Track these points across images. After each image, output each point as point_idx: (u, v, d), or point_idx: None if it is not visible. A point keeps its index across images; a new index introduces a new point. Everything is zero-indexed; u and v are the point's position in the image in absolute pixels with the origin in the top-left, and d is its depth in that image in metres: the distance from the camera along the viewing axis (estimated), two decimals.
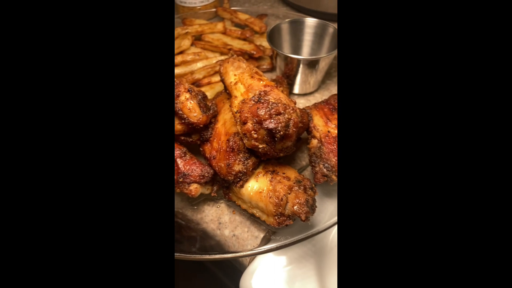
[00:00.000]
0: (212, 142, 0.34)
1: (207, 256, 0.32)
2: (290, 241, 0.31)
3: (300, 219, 0.29)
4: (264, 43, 0.52)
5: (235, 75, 0.34)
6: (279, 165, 0.33)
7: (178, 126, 0.33)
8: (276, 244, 0.31)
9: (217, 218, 0.37)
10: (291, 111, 0.28)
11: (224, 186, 0.35)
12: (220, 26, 0.50)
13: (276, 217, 0.30)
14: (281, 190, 0.30)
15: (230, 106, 0.32)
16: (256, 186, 0.31)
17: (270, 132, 0.28)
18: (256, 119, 0.28)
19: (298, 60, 0.43)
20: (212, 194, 0.35)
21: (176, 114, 0.32)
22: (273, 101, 0.28)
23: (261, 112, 0.27)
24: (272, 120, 0.27)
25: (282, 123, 0.27)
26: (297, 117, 0.28)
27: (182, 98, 0.32)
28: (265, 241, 0.34)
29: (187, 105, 0.32)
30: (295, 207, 0.29)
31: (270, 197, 0.30)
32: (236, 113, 0.30)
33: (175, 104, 0.32)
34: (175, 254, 0.31)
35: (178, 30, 0.49)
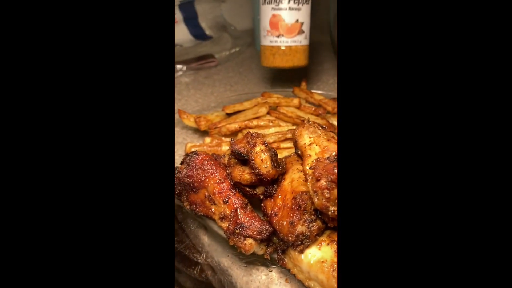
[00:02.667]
0: (276, 198, 0.33)
1: None
2: None
3: None
4: (335, 122, 0.53)
5: (310, 137, 0.35)
6: None
7: (246, 176, 0.33)
8: None
9: (265, 286, 0.33)
10: None
11: (280, 250, 0.32)
12: (296, 101, 0.54)
13: None
14: None
15: (302, 164, 0.32)
16: (319, 255, 0.28)
17: None
18: (332, 177, 0.27)
19: None
20: (265, 256, 0.32)
21: (248, 163, 0.33)
22: None
23: (337, 171, 0.26)
24: None
25: None
26: None
27: (257, 149, 0.33)
28: None
29: (261, 155, 0.32)
30: None
31: (333, 270, 0.26)
32: (309, 169, 0.29)
33: (249, 154, 0.33)
34: None
35: (258, 100, 0.54)
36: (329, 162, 0.28)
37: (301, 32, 0.58)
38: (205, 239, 0.40)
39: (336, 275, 0.26)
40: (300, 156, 0.37)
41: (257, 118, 0.51)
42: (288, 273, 0.32)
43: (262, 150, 0.32)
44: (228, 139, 0.52)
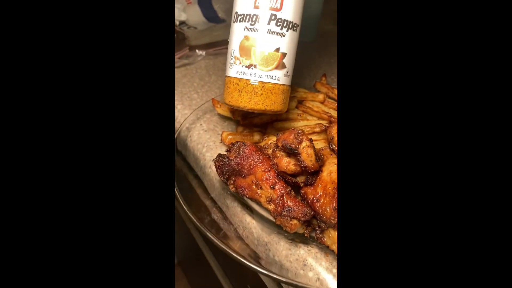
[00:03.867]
0: (316, 187, 0.39)
1: (286, 279, 0.34)
2: None
3: None
4: None
5: None
6: None
7: (292, 167, 0.39)
8: None
9: (303, 259, 0.39)
10: None
11: (318, 230, 0.38)
12: (321, 96, 0.59)
13: None
14: None
15: None
16: None
17: None
18: None
19: None
20: (306, 235, 0.39)
21: (295, 156, 0.38)
22: None
23: None
24: None
25: None
26: None
27: (304, 144, 0.38)
28: None
29: (307, 150, 0.38)
30: None
31: None
32: None
33: (297, 149, 0.38)
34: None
35: None
36: None
37: (281, 66, 0.41)
38: (246, 217, 0.46)
39: None
40: (334, 151, 0.43)
41: (287, 111, 0.56)
42: (325, 250, 0.38)
43: (308, 145, 0.38)
44: (258, 129, 0.57)
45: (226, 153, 0.44)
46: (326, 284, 0.36)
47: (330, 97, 0.65)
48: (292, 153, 0.38)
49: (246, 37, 0.40)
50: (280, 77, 0.42)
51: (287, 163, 0.39)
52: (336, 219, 0.35)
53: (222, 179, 0.43)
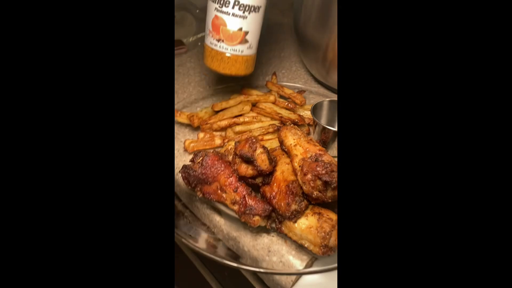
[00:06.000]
0: (272, 185, 0.46)
1: (257, 269, 0.41)
2: (330, 268, 0.40)
3: None
4: (303, 113, 0.66)
5: (294, 139, 0.47)
6: (323, 209, 0.44)
7: (250, 171, 0.45)
8: (318, 268, 0.41)
9: (267, 247, 0.46)
10: None
11: (277, 221, 0.45)
12: (272, 97, 0.65)
13: (321, 248, 0.40)
14: (327, 228, 0.40)
15: (291, 161, 0.44)
16: (307, 223, 0.42)
17: (325, 183, 0.39)
18: (315, 173, 0.40)
19: (334, 132, 0.57)
20: (267, 227, 0.45)
21: (251, 163, 0.44)
22: (327, 161, 0.40)
23: (319, 168, 0.39)
24: (327, 175, 0.39)
25: (335, 178, 0.39)
26: None
27: (258, 151, 0.44)
28: (308, 266, 0.43)
29: (261, 157, 0.44)
30: (336, 241, 0.39)
31: (318, 232, 0.40)
32: (298, 167, 0.42)
33: (253, 156, 0.44)
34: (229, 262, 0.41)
35: (241, 98, 0.64)
36: (311, 161, 0.41)
37: (244, 41, 0.53)
38: (215, 217, 0.52)
39: (319, 235, 0.40)
40: (285, 151, 0.50)
41: (242, 115, 0.62)
42: (284, 237, 0.46)
43: (261, 152, 0.44)
44: (218, 133, 0.62)
45: (190, 163, 0.49)
46: (288, 264, 0.44)
47: (281, 96, 0.71)
48: (249, 160, 0.44)
49: (216, 17, 0.51)
50: (243, 50, 0.54)
51: (245, 169, 0.45)
52: (290, 212, 0.42)
53: (189, 187, 0.48)
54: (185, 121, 0.63)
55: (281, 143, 0.50)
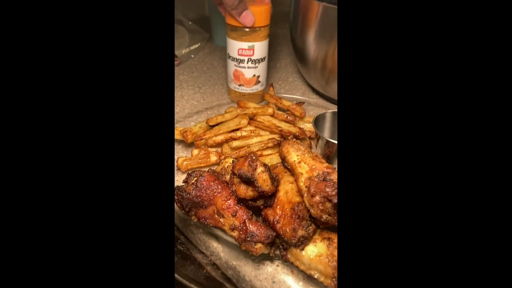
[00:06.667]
0: (275, 208, 0.41)
1: None
2: None
3: None
4: (303, 126, 0.62)
5: (297, 155, 0.43)
6: (333, 233, 0.39)
7: (250, 193, 0.41)
8: None
9: (271, 277, 0.41)
10: None
11: (282, 248, 0.40)
12: (270, 110, 0.61)
13: (334, 279, 0.35)
14: None
15: (296, 180, 0.40)
16: (316, 251, 0.37)
17: (335, 206, 0.35)
18: (324, 194, 0.35)
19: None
20: (271, 254, 0.41)
21: (252, 183, 0.40)
22: (336, 181, 0.36)
23: (328, 189, 0.35)
24: (337, 197, 0.35)
25: None
26: None
27: (259, 170, 0.40)
28: None
29: (262, 176, 0.39)
30: None
31: (329, 261, 0.36)
32: (305, 187, 0.37)
33: (253, 176, 0.39)
34: None
35: (238, 111, 0.60)
36: (318, 180, 0.37)
37: (257, 82, 0.73)
38: (212, 243, 0.47)
39: (331, 264, 0.35)
40: (288, 168, 0.46)
41: (239, 129, 0.57)
42: (290, 266, 0.41)
43: (263, 171, 0.40)
44: (213, 149, 0.57)
45: (183, 184, 0.44)
46: None
47: (279, 108, 0.67)
48: (248, 181, 0.40)
49: (236, 70, 0.71)
50: (258, 88, 0.74)
51: (245, 190, 0.40)
52: (296, 239, 0.37)
53: (183, 212, 0.44)
54: (178, 137, 0.59)
55: (283, 159, 0.45)
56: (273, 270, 0.42)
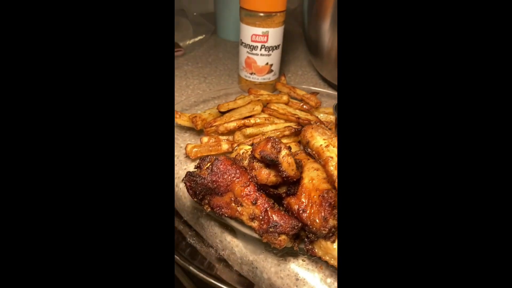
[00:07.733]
0: (299, 196, 0.37)
1: None
2: None
3: None
4: (319, 116, 0.58)
5: (324, 139, 0.39)
6: None
7: (272, 178, 0.36)
8: None
9: (294, 274, 0.37)
10: None
11: (307, 241, 0.36)
12: (285, 98, 0.58)
13: None
14: None
15: (325, 165, 0.36)
16: None
17: None
18: None
19: None
20: (295, 248, 0.36)
21: (274, 166, 0.36)
22: None
23: None
24: None
25: None
26: None
27: (283, 153, 0.35)
28: None
29: (288, 160, 0.35)
30: None
31: None
32: (334, 170, 0.33)
33: (277, 159, 0.35)
34: None
35: (251, 97, 0.56)
36: None
37: (270, 71, 0.68)
38: (225, 237, 0.42)
39: None
40: (310, 154, 0.42)
41: (253, 116, 0.53)
42: (316, 260, 0.37)
43: (287, 154, 0.35)
44: (224, 137, 0.53)
45: (196, 170, 0.40)
46: None
47: (292, 97, 0.63)
48: (272, 163, 0.35)
49: (248, 57, 0.66)
50: (270, 77, 0.69)
51: (267, 175, 0.36)
52: (327, 229, 0.33)
53: (196, 200, 0.39)
54: (187, 123, 0.54)
55: (306, 145, 0.41)
56: (297, 266, 0.38)
